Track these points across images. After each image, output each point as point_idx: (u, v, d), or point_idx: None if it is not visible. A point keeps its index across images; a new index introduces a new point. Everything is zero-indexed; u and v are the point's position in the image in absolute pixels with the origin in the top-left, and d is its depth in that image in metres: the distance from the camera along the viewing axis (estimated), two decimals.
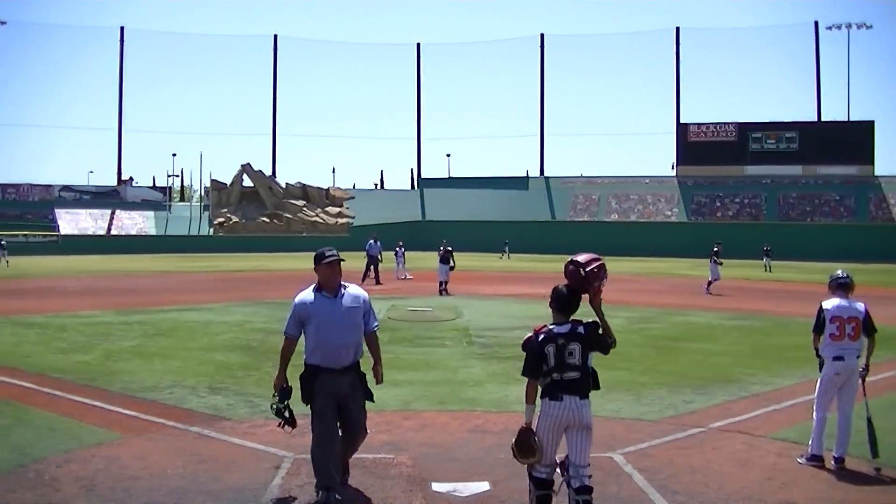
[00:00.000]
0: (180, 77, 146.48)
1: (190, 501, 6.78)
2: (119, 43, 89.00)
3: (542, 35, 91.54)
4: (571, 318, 5.89)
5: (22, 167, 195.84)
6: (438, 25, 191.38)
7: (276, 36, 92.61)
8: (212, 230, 78.86)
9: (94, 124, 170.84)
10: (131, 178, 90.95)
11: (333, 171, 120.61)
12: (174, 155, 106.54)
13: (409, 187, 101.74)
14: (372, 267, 33.33)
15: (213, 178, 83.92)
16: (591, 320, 5.89)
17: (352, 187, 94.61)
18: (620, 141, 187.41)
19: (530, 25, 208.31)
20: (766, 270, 43.74)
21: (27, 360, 13.68)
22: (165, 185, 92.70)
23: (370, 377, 6.97)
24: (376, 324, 7.04)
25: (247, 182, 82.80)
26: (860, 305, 8.08)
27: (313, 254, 6.94)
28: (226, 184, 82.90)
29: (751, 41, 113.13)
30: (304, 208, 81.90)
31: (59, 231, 72.96)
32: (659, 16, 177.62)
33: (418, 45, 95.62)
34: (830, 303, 8.12)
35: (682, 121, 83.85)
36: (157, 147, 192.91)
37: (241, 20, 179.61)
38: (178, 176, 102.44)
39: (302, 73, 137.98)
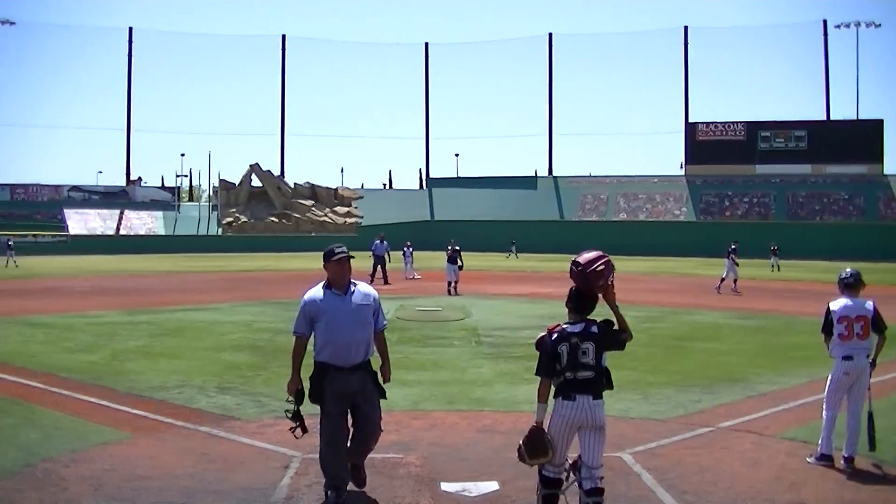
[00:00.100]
0: (189, 77, 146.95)
1: (199, 501, 6.78)
2: (127, 43, 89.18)
3: (550, 34, 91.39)
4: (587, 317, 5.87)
5: (31, 167, 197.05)
6: (446, 25, 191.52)
7: (284, 36, 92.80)
8: (220, 230, 78.96)
9: (102, 124, 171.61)
10: (140, 178, 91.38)
11: (342, 171, 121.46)
12: (183, 155, 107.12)
13: (417, 187, 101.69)
14: (379, 267, 33.19)
15: (221, 177, 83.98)
16: (604, 319, 5.87)
17: (360, 187, 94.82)
18: (629, 140, 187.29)
19: (538, 25, 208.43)
20: (773, 270, 43.59)
21: (35, 359, 13.71)
22: (174, 185, 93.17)
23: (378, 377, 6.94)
24: (385, 323, 7.00)
25: (255, 182, 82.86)
26: (868, 304, 8.05)
27: (322, 253, 6.90)
28: (234, 184, 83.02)
29: (759, 40, 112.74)
30: (313, 208, 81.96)
31: (68, 231, 73.18)
32: (667, 15, 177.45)
33: (426, 44, 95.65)
34: (837, 303, 8.10)
35: (690, 120, 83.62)
36: (165, 147, 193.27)
37: (249, 20, 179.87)
38: (186, 176, 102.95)
39: (310, 73, 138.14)
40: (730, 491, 7.07)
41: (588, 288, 5.86)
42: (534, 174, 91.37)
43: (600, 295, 5.90)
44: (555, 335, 5.80)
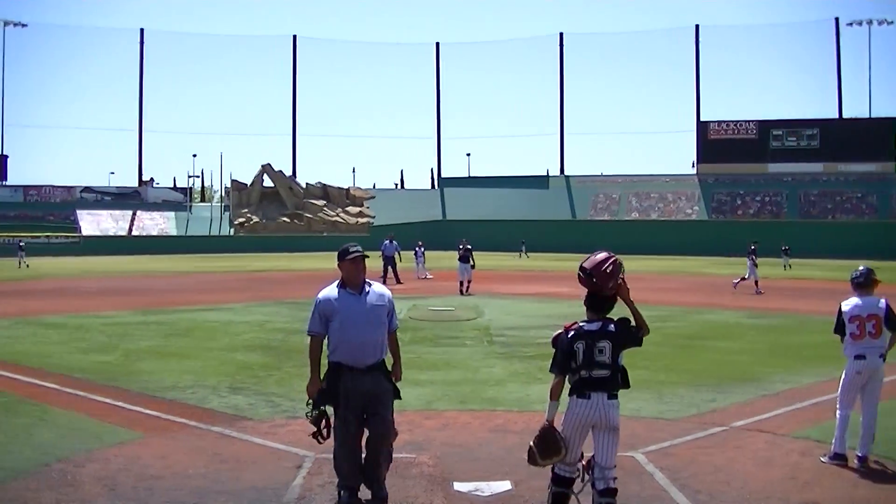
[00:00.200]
0: (200, 78, 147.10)
1: (212, 501, 6.79)
2: (139, 44, 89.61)
3: (560, 34, 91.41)
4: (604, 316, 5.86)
5: (43, 169, 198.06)
6: (457, 25, 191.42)
7: (295, 36, 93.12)
8: (232, 230, 79.21)
9: (114, 125, 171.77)
10: (152, 179, 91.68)
11: (353, 171, 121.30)
12: (195, 156, 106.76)
13: (429, 187, 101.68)
14: (389, 267, 33.03)
15: (233, 178, 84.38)
16: (621, 317, 5.87)
17: (372, 187, 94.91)
18: (640, 139, 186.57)
19: (549, 24, 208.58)
20: (784, 269, 43.41)
21: (48, 360, 13.77)
22: (186, 185, 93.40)
23: None
24: (397, 324, 6.98)
25: (267, 182, 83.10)
26: (881, 302, 8.02)
27: (334, 253, 6.89)
28: (246, 184, 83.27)
29: (771, 38, 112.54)
30: (325, 208, 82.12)
31: (80, 232, 73.56)
32: (678, 14, 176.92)
33: (437, 44, 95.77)
34: (848, 303, 8.07)
35: (702, 118, 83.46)
36: (177, 148, 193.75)
37: (260, 21, 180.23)
38: (198, 176, 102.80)
39: (321, 73, 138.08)
40: (743, 490, 7.04)
41: (599, 290, 5.86)
42: (545, 174, 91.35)
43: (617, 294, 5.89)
44: (571, 332, 5.79)
